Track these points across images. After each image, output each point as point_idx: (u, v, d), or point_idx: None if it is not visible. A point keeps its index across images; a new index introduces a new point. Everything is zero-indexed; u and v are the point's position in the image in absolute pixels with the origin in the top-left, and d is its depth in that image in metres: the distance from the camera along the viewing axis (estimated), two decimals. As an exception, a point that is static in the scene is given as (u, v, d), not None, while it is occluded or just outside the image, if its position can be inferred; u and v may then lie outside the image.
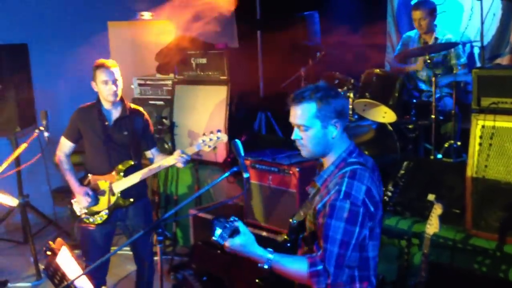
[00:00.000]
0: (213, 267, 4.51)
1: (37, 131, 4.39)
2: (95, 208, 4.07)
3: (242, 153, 2.72)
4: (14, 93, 5.60)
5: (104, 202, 4.07)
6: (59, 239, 2.84)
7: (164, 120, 5.94)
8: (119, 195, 4.05)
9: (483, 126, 3.69)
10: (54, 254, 2.73)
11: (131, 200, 4.08)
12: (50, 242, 2.77)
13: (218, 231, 2.33)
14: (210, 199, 5.58)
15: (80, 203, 4.06)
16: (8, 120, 5.61)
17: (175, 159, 3.90)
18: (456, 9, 5.72)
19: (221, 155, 5.70)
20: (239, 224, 2.39)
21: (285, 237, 2.72)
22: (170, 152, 5.28)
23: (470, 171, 3.74)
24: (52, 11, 6.67)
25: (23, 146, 4.15)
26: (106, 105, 4.06)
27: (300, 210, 2.69)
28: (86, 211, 4.08)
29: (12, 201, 4.39)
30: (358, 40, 6.27)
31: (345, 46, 6.03)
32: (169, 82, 6.40)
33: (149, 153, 4.22)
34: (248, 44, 7.80)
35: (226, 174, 2.75)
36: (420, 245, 3.83)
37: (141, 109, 4.23)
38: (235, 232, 2.36)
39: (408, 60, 5.53)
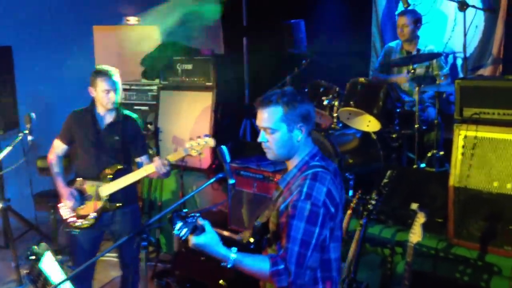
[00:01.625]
0: (196, 274, 4.50)
1: (21, 134, 4.34)
2: (82, 212, 4.05)
3: (228, 159, 2.73)
4: (-3, 96, 5.56)
5: (91, 206, 4.05)
6: (42, 244, 2.82)
7: (149, 125, 5.93)
8: (106, 198, 4.03)
9: (465, 136, 3.74)
10: (37, 258, 2.71)
11: (118, 204, 4.05)
12: (34, 247, 2.75)
13: (178, 225, 2.32)
14: (195, 206, 5.57)
15: (65, 204, 4.04)
16: (-9, 123, 5.56)
17: (154, 167, 3.88)
18: (440, 20, 5.81)
19: (206, 162, 5.70)
20: (205, 224, 2.39)
21: (250, 239, 2.74)
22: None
23: (452, 181, 3.78)
24: (38, 14, 6.62)
25: (7, 149, 4.10)
26: (101, 110, 4.06)
27: (264, 212, 2.73)
28: (73, 214, 4.05)
29: (-7, 205, 4.34)
30: (343, 49, 6.32)
31: (330, 54, 6.07)
32: (154, 88, 6.39)
33: (139, 160, 4.20)
34: (234, 51, 7.83)
35: (212, 180, 2.75)
36: (403, 254, 3.86)
37: (134, 115, 4.23)
38: (198, 229, 2.36)
39: (391, 70, 5.59)
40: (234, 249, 2.40)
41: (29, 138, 3.88)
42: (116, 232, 4.13)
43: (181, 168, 5.58)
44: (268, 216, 2.67)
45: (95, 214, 4.03)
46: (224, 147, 2.75)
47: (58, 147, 4.13)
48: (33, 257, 2.73)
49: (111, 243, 4.45)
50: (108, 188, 4.02)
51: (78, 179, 4.12)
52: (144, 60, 6.55)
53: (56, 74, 6.62)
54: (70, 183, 4.12)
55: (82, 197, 4.05)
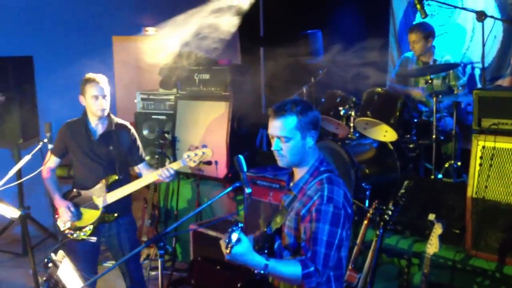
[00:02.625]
0: (212, 283, 4.50)
1: (41, 143, 4.41)
2: (79, 224, 4.01)
3: (245, 169, 2.75)
4: (18, 105, 5.63)
5: (88, 217, 4.01)
6: (60, 252, 2.85)
7: (166, 134, 5.97)
8: (102, 210, 4.00)
9: (483, 147, 3.72)
10: (56, 266, 2.74)
11: (115, 215, 4.02)
12: (52, 254, 2.78)
13: (234, 237, 2.33)
14: (211, 214, 5.59)
15: (62, 218, 4.01)
16: (12, 132, 5.63)
17: (157, 175, 3.88)
18: (458, 31, 5.78)
19: (222, 171, 5.72)
20: (240, 234, 2.39)
21: (259, 245, 2.73)
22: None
23: (470, 192, 3.75)
24: (58, 24, 6.73)
25: (27, 157, 4.16)
26: (93, 119, 4.03)
27: (275, 218, 2.74)
28: (69, 226, 4.02)
29: (14, 213, 4.39)
30: (360, 59, 6.31)
31: (347, 64, 6.08)
32: (172, 97, 6.45)
33: (136, 169, 4.18)
34: (251, 61, 7.87)
35: (229, 189, 2.77)
36: (420, 265, 3.83)
37: (127, 124, 4.19)
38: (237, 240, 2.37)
39: (408, 80, 5.58)
40: (265, 255, 2.47)
41: (49, 146, 3.92)
42: (113, 246, 4.10)
43: (197, 177, 5.61)
44: (281, 222, 2.70)
45: (91, 226, 4.00)
46: (241, 157, 2.77)
47: (51, 160, 4.11)
48: (52, 265, 2.76)
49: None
50: (105, 199, 3.99)
51: (74, 190, 4.09)
52: (162, 70, 6.61)
53: (76, 83, 6.65)
54: (66, 194, 4.10)
55: (78, 210, 4.01)
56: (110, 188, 4.00)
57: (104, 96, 3.96)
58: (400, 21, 6.32)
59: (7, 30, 6.34)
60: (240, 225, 2.40)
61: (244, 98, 6.07)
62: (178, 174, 5.93)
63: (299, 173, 2.71)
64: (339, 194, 2.56)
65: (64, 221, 4.02)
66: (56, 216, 4.08)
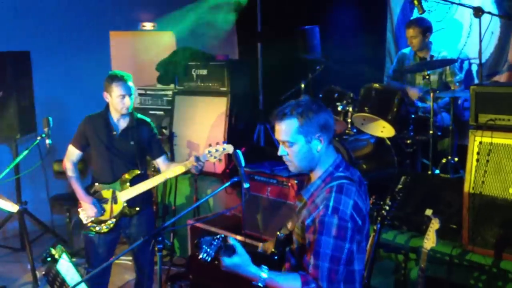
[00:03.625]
0: (210, 278, 4.51)
1: (39, 138, 4.41)
2: (102, 217, 4.09)
3: (243, 164, 2.75)
4: (16, 100, 5.63)
5: (110, 211, 4.08)
6: (59, 246, 2.86)
7: (163, 130, 5.97)
8: (125, 204, 4.07)
9: (480, 143, 3.73)
10: (55, 260, 2.75)
11: (137, 209, 4.09)
12: (51, 249, 2.79)
13: (204, 251, 2.37)
14: (208, 210, 5.60)
15: (86, 213, 4.07)
16: (9, 127, 5.63)
17: (189, 166, 3.93)
18: (455, 27, 5.79)
19: (220, 166, 5.72)
20: (236, 245, 2.42)
21: (273, 249, 2.74)
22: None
23: (467, 187, 3.77)
24: (55, 19, 6.72)
25: (25, 153, 4.17)
26: (115, 115, 4.08)
27: (287, 223, 2.71)
28: (92, 219, 4.09)
29: (12, 207, 4.40)
30: (357, 55, 6.33)
31: (345, 60, 6.08)
32: (170, 93, 6.45)
33: (156, 162, 4.24)
34: (249, 56, 7.87)
35: (227, 184, 2.78)
36: (417, 260, 3.85)
37: (147, 119, 4.26)
38: (229, 250, 2.40)
39: (405, 77, 5.59)
40: (265, 268, 2.41)
41: (47, 141, 3.92)
42: (131, 236, 4.17)
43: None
44: (291, 228, 2.65)
45: (114, 219, 4.08)
46: (239, 151, 2.78)
47: (73, 153, 4.14)
48: (51, 259, 2.77)
49: (126, 246, 4.50)
50: (128, 193, 4.05)
51: (96, 184, 4.14)
52: (159, 65, 6.61)
53: (73, 78, 6.70)
54: (87, 188, 4.15)
55: (102, 205, 4.08)
56: (132, 182, 4.06)
57: (130, 95, 4.00)
58: (397, 17, 6.32)
59: (4, 25, 6.33)
60: (222, 236, 2.42)
61: (241, 94, 6.09)
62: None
63: (312, 177, 2.55)
64: (346, 205, 2.36)
65: (88, 215, 4.06)
66: (79, 209, 4.12)
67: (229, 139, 5.65)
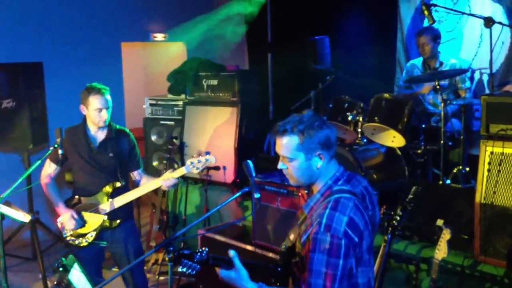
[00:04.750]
0: (220, 288, 4.51)
1: (51, 148, 4.44)
2: (81, 231, 4.01)
3: (254, 174, 2.75)
4: (28, 111, 5.67)
5: (90, 224, 4.01)
6: (71, 256, 2.88)
7: (174, 140, 6.00)
8: (105, 217, 4.00)
9: (491, 153, 3.72)
10: (66, 270, 2.77)
11: (118, 221, 4.02)
12: (63, 258, 2.81)
13: (184, 265, 2.46)
14: (219, 219, 5.60)
15: (65, 226, 4.00)
16: (22, 137, 5.67)
17: (161, 182, 3.89)
18: (465, 37, 5.79)
19: (229, 176, 5.75)
20: (235, 258, 2.44)
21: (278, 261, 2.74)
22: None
23: (478, 197, 3.75)
24: (67, 31, 6.79)
25: (37, 163, 4.19)
26: (92, 127, 4.02)
27: (289, 235, 2.68)
28: (71, 233, 4.02)
29: (24, 217, 4.42)
30: (367, 65, 6.34)
31: (355, 70, 6.10)
32: (180, 103, 6.48)
33: (133, 175, 4.19)
34: (259, 67, 7.91)
35: (238, 194, 2.78)
36: (428, 270, 3.83)
37: (126, 130, 4.18)
38: (226, 263, 2.45)
39: (415, 85, 5.59)
40: (263, 285, 2.42)
41: (59, 152, 3.94)
42: (117, 253, 4.10)
43: (205, 182, 5.63)
44: (293, 240, 2.63)
45: (93, 232, 4.01)
46: (250, 162, 2.79)
47: (51, 167, 4.08)
48: (62, 269, 2.79)
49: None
50: (107, 206, 3.99)
51: (76, 197, 4.08)
52: (170, 76, 6.65)
53: (85, 89, 6.75)
54: (68, 201, 4.09)
55: (82, 218, 4.00)
56: (113, 194, 4.01)
57: (107, 108, 3.95)
58: (407, 27, 6.33)
59: (18, 37, 6.41)
60: (206, 249, 2.49)
61: (251, 104, 6.10)
62: (186, 180, 5.97)
63: (313, 191, 2.51)
64: (340, 222, 2.29)
65: (67, 229, 4.01)
66: (58, 223, 4.06)
67: (239, 149, 5.71)
